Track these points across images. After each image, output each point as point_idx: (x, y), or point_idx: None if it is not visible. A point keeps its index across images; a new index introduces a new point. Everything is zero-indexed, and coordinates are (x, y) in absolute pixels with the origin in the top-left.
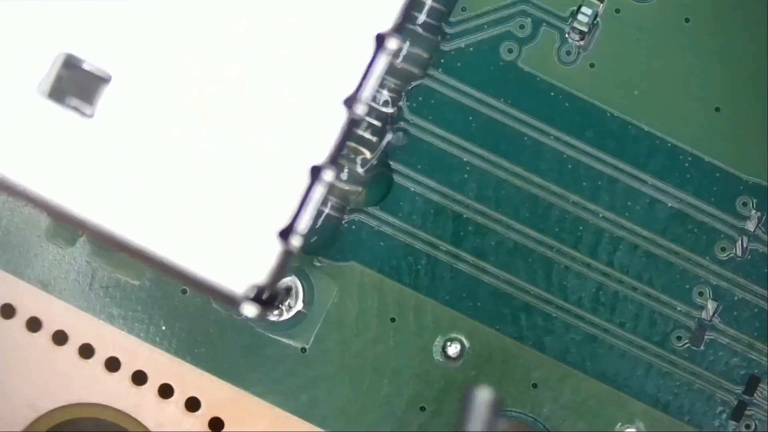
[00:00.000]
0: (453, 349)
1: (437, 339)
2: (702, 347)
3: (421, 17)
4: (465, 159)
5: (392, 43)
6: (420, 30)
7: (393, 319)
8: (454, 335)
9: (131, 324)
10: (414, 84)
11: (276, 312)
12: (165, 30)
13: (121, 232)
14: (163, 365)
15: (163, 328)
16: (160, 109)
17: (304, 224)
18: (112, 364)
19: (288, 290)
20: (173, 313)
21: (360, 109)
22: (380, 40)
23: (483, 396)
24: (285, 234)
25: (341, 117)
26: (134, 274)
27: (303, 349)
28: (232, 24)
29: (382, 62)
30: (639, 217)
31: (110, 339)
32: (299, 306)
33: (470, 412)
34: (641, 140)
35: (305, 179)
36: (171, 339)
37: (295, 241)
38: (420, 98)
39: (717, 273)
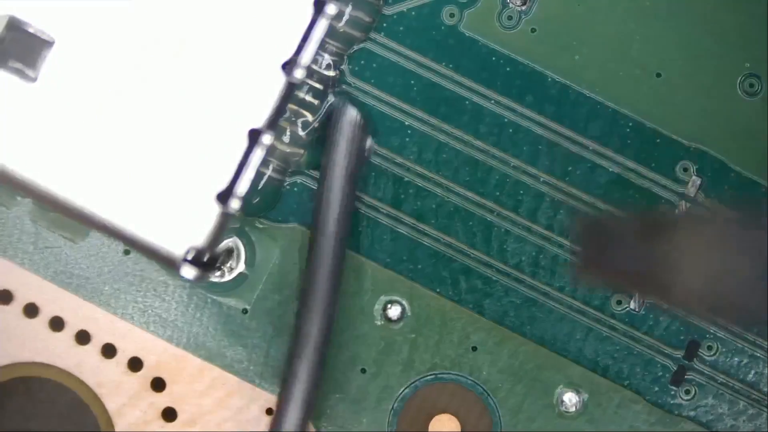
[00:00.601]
0: (393, 312)
1: (377, 301)
2: (642, 311)
3: None
4: (406, 122)
5: (331, 8)
6: None
7: None
8: (394, 297)
9: (75, 284)
10: (356, 47)
11: (217, 273)
12: None
13: (64, 193)
14: (105, 325)
15: (106, 288)
16: (102, 73)
17: (242, 187)
18: (57, 324)
19: (229, 252)
20: (116, 273)
21: (299, 73)
22: (319, 4)
23: (350, 115)
24: (224, 197)
25: (280, 81)
26: (77, 235)
27: (244, 310)
28: None
29: (321, 27)
30: (579, 182)
31: (55, 298)
32: (241, 267)
33: (339, 128)
34: (582, 105)
35: (244, 142)
36: (113, 299)
37: (234, 204)
38: (362, 61)
39: None
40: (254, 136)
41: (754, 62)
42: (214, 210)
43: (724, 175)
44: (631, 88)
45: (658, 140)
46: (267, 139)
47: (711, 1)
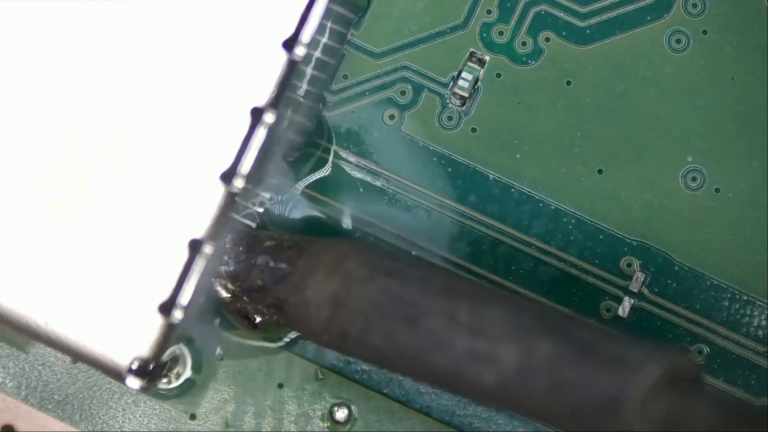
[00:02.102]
0: (340, 414)
1: (325, 403)
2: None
3: (303, 86)
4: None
5: (269, 117)
6: (302, 99)
7: (281, 385)
8: (341, 400)
9: (25, 392)
10: (297, 154)
11: (164, 380)
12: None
13: (9, 306)
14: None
15: (56, 396)
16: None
17: (185, 298)
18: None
19: (176, 358)
20: (65, 381)
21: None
22: (256, 113)
23: None
24: (166, 307)
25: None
26: (25, 345)
27: (192, 416)
28: None
29: (261, 135)
30: (523, 280)
31: (6, 408)
32: (188, 373)
33: None
34: (524, 203)
35: (185, 252)
36: (62, 407)
37: (177, 314)
38: (303, 167)
39: None
40: (195, 246)
41: (696, 156)
42: (158, 319)
43: (669, 269)
44: (573, 185)
45: (601, 236)
46: (208, 248)
47: (652, 95)
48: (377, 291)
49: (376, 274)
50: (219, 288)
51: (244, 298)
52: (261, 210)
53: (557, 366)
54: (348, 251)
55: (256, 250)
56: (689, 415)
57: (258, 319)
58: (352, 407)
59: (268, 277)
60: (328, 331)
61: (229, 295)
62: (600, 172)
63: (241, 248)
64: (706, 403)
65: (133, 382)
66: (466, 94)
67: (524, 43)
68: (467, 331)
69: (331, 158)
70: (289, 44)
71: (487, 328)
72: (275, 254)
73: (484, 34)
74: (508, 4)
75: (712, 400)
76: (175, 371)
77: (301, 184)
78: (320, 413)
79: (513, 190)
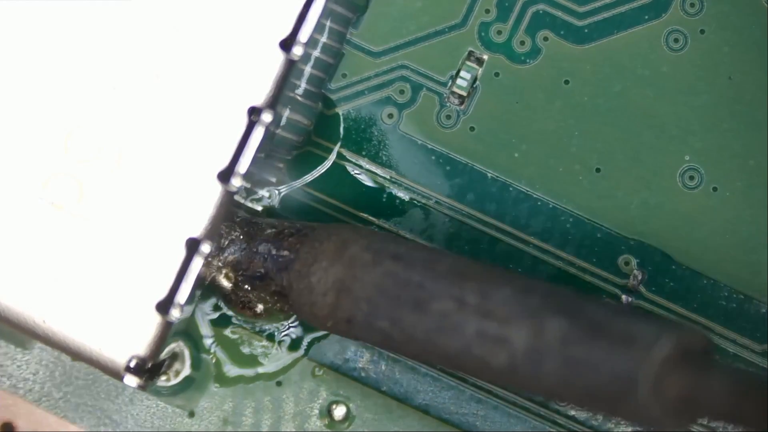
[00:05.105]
0: (338, 412)
1: (323, 401)
2: None
3: (302, 84)
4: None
5: (267, 116)
6: (300, 98)
7: (279, 383)
8: (339, 398)
9: (26, 389)
10: (295, 153)
11: (163, 378)
12: None
13: (7, 303)
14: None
15: (56, 393)
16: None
17: (182, 296)
18: (8, 430)
19: (175, 356)
20: (66, 378)
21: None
22: (253, 112)
23: None
24: (163, 306)
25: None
26: (23, 343)
27: (191, 413)
28: None
29: (258, 135)
30: None
31: (6, 404)
32: (187, 371)
33: None
34: (522, 202)
35: (182, 251)
36: (62, 403)
37: (175, 313)
38: (302, 166)
39: None
40: (193, 244)
41: (693, 155)
42: (155, 318)
43: (666, 267)
44: (570, 183)
45: (598, 235)
46: (205, 247)
47: (649, 94)
48: (383, 275)
49: (380, 259)
50: (220, 278)
51: (246, 287)
52: (260, 209)
53: (568, 346)
54: (351, 236)
55: (257, 238)
56: (704, 388)
57: (260, 307)
58: (350, 405)
59: (271, 264)
60: (333, 317)
61: (231, 285)
62: (598, 170)
63: (241, 237)
64: (719, 375)
65: (131, 380)
66: (465, 93)
67: (522, 43)
68: (476, 314)
69: (331, 157)
70: (287, 44)
71: (496, 310)
72: (277, 242)
73: (483, 34)
74: (507, 4)
75: (725, 372)
76: (174, 368)
77: (300, 182)
78: (318, 411)
79: (511, 188)
